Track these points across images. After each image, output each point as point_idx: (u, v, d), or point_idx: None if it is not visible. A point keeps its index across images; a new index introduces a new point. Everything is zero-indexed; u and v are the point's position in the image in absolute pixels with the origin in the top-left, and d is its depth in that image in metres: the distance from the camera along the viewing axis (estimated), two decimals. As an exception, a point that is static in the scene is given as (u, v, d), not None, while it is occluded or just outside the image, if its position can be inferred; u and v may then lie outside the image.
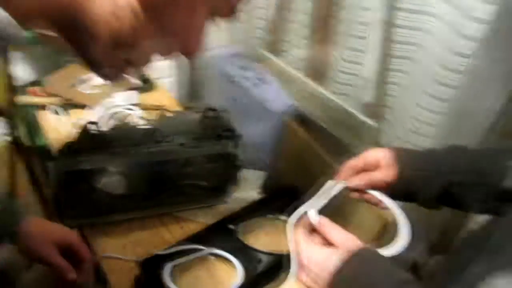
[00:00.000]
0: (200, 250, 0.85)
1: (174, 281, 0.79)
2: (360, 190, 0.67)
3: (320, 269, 0.53)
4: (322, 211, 0.64)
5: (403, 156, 0.65)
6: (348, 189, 0.67)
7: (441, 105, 0.99)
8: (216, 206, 0.97)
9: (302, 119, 1.34)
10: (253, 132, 1.43)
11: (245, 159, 1.03)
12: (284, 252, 0.72)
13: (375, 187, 0.65)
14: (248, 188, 1.03)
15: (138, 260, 0.82)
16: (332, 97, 1.29)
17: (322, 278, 0.52)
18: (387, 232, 1.04)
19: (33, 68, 1.60)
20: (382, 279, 0.48)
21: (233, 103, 1.52)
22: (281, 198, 1.00)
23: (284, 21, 1.54)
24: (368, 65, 1.14)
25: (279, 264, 0.79)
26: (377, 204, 0.66)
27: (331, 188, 0.68)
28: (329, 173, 1.19)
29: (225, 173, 0.95)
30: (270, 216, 0.94)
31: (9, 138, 1.43)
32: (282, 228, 0.89)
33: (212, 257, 0.86)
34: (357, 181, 0.66)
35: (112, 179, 0.94)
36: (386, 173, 0.64)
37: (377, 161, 0.67)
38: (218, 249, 0.86)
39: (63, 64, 1.46)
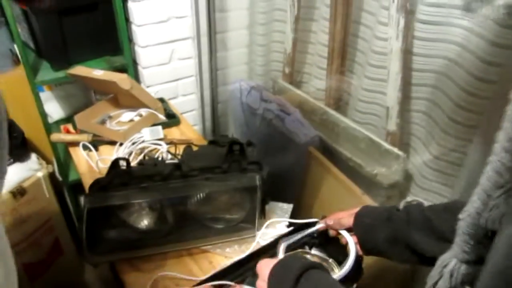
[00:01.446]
0: (229, 285, 0.84)
1: (204, 317, 0.78)
2: (335, 230, 0.81)
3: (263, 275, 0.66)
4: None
5: (364, 209, 0.76)
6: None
7: (468, 131, 0.98)
8: (245, 240, 0.97)
9: (327, 149, 1.35)
10: (279, 164, 1.44)
11: (272, 191, 1.03)
12: None
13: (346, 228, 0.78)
14: (276, 221, 1.02)
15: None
16: (355, 126, 1.29)
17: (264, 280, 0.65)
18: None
19: (64, 106, 1.68)
20: (291, 265, 0.61)
21: (257, 135, 1.54)
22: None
23: (302, 53, 1.57)
24: (390, 94, 1.15)
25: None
26: (346, 243, 0.78)
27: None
28: (355, 203, 1.17)
29: (252, 207, 0.96)
30: (299, 250, 0.93)
31: (42, 174, 1.48)
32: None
33: (242, 293, 0.85)
34: (330, 221, 0.80)
35: (141, 214, 0.96)
36: (349, 219, 0.76)
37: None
38: (247, 284, 0.85)
39: (93, 102, 1.53)
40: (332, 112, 1.39)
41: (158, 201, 0.93)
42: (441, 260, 0.43)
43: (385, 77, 1.16)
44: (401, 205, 0.72)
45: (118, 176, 0.93)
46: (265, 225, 0.99)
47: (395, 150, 1.17)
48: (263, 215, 1.00)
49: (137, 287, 0.89)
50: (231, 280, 0.86)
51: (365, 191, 1.16)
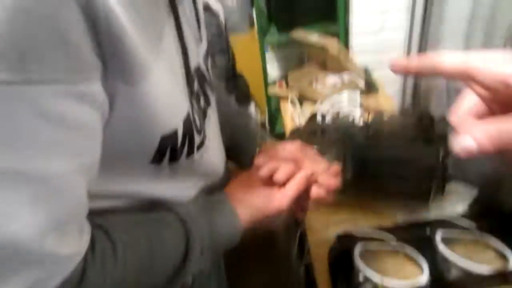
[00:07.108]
0: (393, 243, 0.90)
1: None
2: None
3: None
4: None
5: None
6: None
7: None
8: (416, 212, 1.00)
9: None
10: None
11: (457, 171, 1.01)
12: (476, 272, 0.73)
13: None
14: (454, 203, 1.01)
15: (335, 235, 0.95)
16: None
17: None
18: None
19: (281, 66, 1.94)
20: None
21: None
22: (489, 218, 0.94)
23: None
24: None
25: (469, 281, 0.78)
26: None
27: None
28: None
29: (431, 181, 0.96)
30: (475, 231, 0.90)
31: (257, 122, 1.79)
32: (483, 247, 0.86)
33: (402, 254, 0.90)
34: None
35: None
36: None
37: None
38: (411, 248, 0.89)
39: (305, 64, 1.73)
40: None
41: (343, 154, 1.04)
42: None
43: None
44: None
45: (313, 129, 1.09)
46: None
47: None
48: (442, 193, 0.99)
49: (313, 226, 1.05)
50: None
51: None
